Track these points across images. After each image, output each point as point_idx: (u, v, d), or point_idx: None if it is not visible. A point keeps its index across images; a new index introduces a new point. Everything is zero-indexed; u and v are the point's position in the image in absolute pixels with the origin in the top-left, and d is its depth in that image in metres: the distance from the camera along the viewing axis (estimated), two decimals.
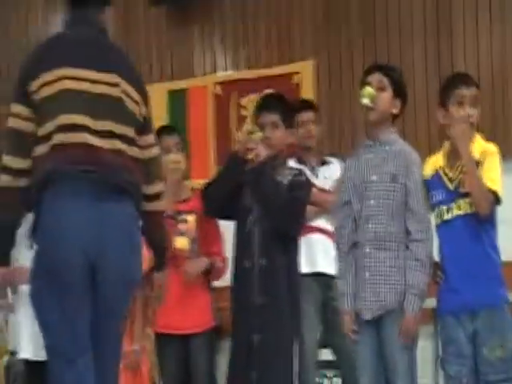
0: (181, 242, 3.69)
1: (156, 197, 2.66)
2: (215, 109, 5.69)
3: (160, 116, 5.35)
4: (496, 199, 2.94)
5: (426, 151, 3.43)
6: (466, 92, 3.06)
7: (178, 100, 5.91)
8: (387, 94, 3.04)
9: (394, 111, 3.06)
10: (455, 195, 2.98)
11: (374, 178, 3.00)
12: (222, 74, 5.62)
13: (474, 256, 3.01)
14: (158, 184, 2.68)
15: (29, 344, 3.44)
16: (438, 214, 3.05)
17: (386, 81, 3.07)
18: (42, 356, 3.09)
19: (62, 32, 2.67)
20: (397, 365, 2.97)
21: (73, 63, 2.45)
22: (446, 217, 2.99)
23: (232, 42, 5.95)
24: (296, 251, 3.22)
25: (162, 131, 3.75)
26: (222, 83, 5.75)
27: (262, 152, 3.12)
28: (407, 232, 2.98)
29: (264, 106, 3.34)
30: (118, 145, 2.46)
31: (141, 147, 2.58)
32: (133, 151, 2.52)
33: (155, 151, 2.69)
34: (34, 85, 2.41)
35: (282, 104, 3.38)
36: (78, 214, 2.40)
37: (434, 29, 5.14)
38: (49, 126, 2.38)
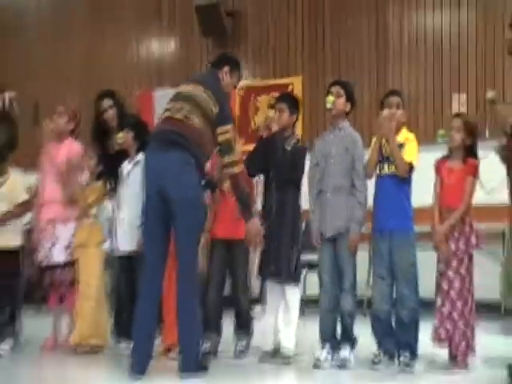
0: None
1: (228, 165, 3.71)
2: (240, 104, 8.06)
3: None
4: (410, 167, 3.91)
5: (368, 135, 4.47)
6: (393, 100, 4.05)
7: None
8: (342, 100, 4.06)
9: (347, 110, 4.10)
10: (386, 160, 3.95)
11: (333, 149, 4.04)
12: (244, 82, 7.00)
13: (395, 200, 3.93)
14: (228, 157, 3.70)
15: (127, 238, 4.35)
16: (376, 169, 4.00)
17: (342, 91, 4.08)
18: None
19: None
20: (345, 267, 3.97)
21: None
22: (380, 173, 3.99)
23: (251, 61, 8.24)
24: (298, 192, 4.21)
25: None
26: (244, 88, 7.97)
27: (274, 127, 4.26)
28: (352, 184, 3.98)
29: (278, 98, 4.44)
30: (189, 120, 3.60)
31: (217, 132, 3.68)
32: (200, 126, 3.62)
33: (227, 136, 3.72)
34: None
35: (289, 98, 4.51)
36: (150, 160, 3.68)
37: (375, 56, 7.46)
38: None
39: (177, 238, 3.61)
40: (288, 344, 4.08)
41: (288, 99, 4.46)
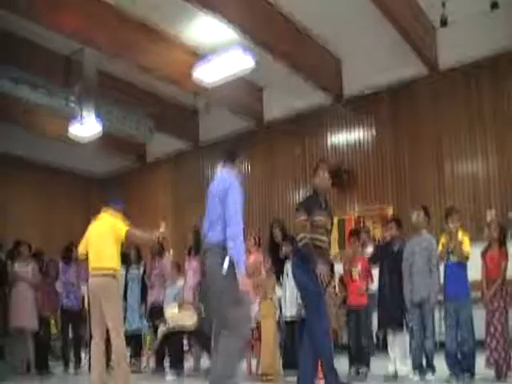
0: None
1: None
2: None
3: None
4: (467, 257, 5.46)
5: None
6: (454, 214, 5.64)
7: None
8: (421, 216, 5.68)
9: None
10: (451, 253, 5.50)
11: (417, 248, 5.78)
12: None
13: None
14: None
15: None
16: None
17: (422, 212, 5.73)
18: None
19: None
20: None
21: None
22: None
23: (360, 198, 11.09)
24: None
25: None
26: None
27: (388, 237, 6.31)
28: (430, 269, 5.61)
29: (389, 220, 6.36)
30: None
31: None
32: None
33: None
34: None
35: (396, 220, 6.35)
36: None
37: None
38: None
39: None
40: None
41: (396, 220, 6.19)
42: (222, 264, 3.93)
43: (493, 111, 10.08)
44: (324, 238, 4.73)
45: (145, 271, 8.23)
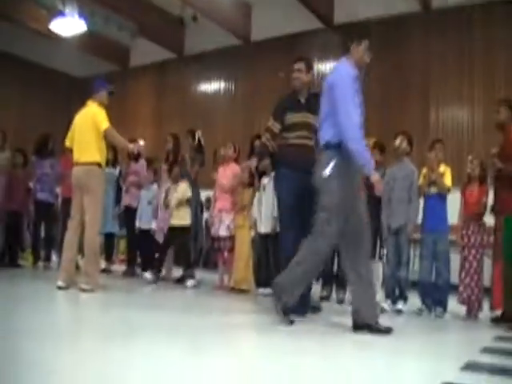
0: None
1: None
2: None
3: None
4: (449, 189, 5.11)
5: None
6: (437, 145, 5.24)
7: None
8: (404, 144, 5.33)
9: (407, 151, 5.38)
10: (432, 184, 5.11)
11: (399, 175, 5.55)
12: None
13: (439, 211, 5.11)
14: None
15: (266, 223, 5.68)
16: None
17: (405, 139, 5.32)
18: None
19: None
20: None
21: None
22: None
23: None
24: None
25: None
26: None
27: None
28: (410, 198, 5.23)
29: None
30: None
31: None
32: None
33: None
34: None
35: None
36: None
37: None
38: None
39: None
40: None
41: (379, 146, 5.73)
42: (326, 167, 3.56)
43: (482, 57, 9.47)
44: (303, 134, 4.38)
45: (120, 174, 7.74)
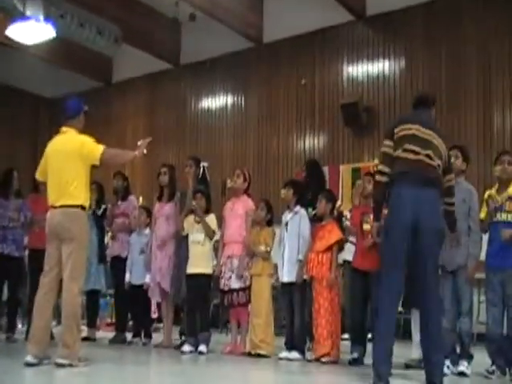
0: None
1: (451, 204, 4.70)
2: None
3: None
4: None
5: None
6: (505, 158, 5.24)
7: None
8: (459, 160, 5.33)
9: (463, 168, 5.42)
10: (499, 209, 5.15)
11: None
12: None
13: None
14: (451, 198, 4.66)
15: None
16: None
17: (459, 154, 5.37)
18: None
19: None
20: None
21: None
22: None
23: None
24: None
25: None
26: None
27: None
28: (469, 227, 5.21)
29: None
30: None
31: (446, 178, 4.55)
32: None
33: (453, 182, 4.66)
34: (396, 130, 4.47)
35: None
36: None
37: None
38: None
39: (423, 262, 4.41)
40: None
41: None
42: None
43: None
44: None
45: (104, 213, 7.83)
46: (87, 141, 5.17)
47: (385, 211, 4.70)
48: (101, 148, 5.12)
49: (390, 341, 4.40)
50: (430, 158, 4.50)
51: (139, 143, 5.40)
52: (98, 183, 7.74)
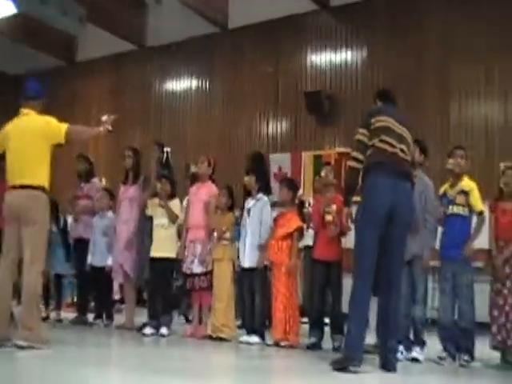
0: None
1: None
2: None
3: None
4: (481, 212, 5.22)
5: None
6: (458, 152, 5.33)
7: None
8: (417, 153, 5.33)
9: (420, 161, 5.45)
10: (451, 202, 5.23)
11: None
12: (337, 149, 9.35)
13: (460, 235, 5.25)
14: None
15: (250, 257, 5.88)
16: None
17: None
18: None
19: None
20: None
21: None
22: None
23: (343, 133, 10.82)
24: None
25: None
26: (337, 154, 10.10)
27: None
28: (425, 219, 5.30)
29: None
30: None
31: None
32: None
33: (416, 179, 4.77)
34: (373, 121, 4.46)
35: None
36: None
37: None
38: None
39: (392, 251, 4.52)
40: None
41: None
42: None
43: None
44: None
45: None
46: (51, 120, 5.08)
47: (355, 198, 4.70)
48: (65, 126, 5.04)
49: (363, 326, 4.45)
50: (404, 152, 4.57)
51: (104, 118, 5.26)
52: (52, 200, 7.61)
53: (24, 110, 5.18)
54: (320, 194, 6.45)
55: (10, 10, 11.08)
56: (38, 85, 5.37)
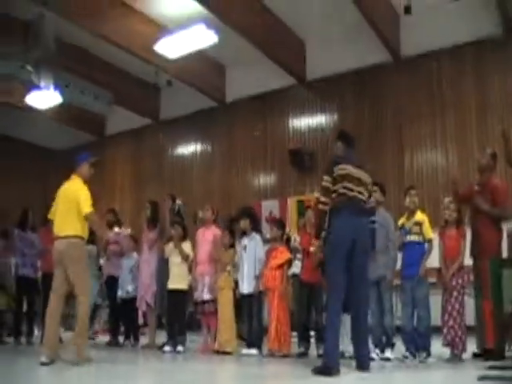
0: None
1: None
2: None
3: None
4: (430, 240, 5.37)
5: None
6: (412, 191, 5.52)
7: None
8: (378, 194, 5.47)
9: (381, 200, 5.57)
10: (409, 233, 5.39)
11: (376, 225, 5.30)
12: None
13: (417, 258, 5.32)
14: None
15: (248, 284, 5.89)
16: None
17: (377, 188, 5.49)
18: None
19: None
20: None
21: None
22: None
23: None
24: None
25: None
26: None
27: None
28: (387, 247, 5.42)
29: None
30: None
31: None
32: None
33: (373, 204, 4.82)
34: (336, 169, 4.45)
35: None
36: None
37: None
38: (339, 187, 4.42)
39: (358, 275, 4.50)
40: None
41: None
42: None
43: (453, 102, 10.13)
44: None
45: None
46: (82, 193, 5.23)
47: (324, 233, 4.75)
48: (87, 209, 5.17)
49: (337, 334, 4.43)
50: (361, 193, 4.63)
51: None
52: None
53: (72, 176, 5.46)
54: (304, 231, 6.46)
55: (57, 99, 11.52)
56: (84, 155, 5.62)
